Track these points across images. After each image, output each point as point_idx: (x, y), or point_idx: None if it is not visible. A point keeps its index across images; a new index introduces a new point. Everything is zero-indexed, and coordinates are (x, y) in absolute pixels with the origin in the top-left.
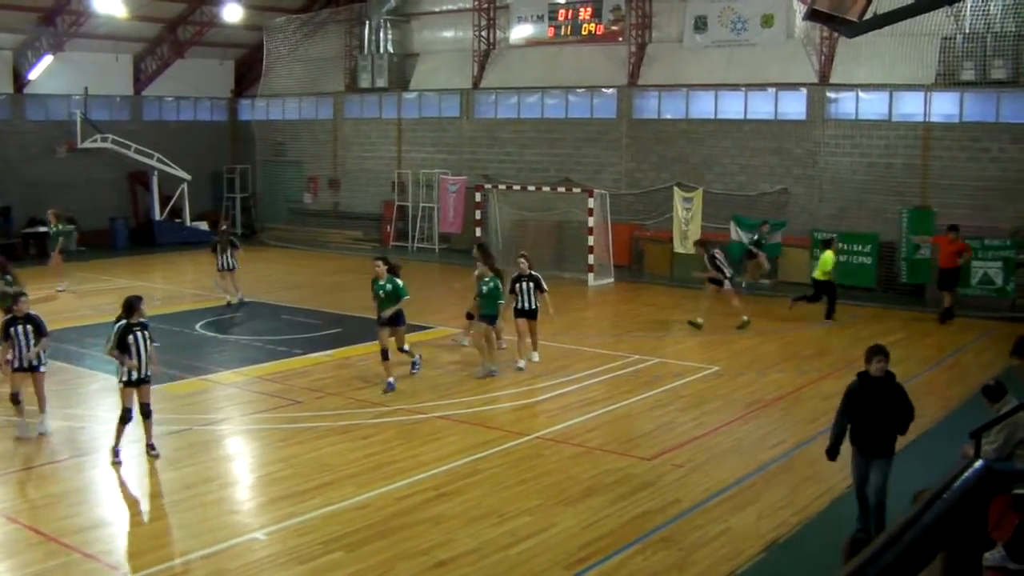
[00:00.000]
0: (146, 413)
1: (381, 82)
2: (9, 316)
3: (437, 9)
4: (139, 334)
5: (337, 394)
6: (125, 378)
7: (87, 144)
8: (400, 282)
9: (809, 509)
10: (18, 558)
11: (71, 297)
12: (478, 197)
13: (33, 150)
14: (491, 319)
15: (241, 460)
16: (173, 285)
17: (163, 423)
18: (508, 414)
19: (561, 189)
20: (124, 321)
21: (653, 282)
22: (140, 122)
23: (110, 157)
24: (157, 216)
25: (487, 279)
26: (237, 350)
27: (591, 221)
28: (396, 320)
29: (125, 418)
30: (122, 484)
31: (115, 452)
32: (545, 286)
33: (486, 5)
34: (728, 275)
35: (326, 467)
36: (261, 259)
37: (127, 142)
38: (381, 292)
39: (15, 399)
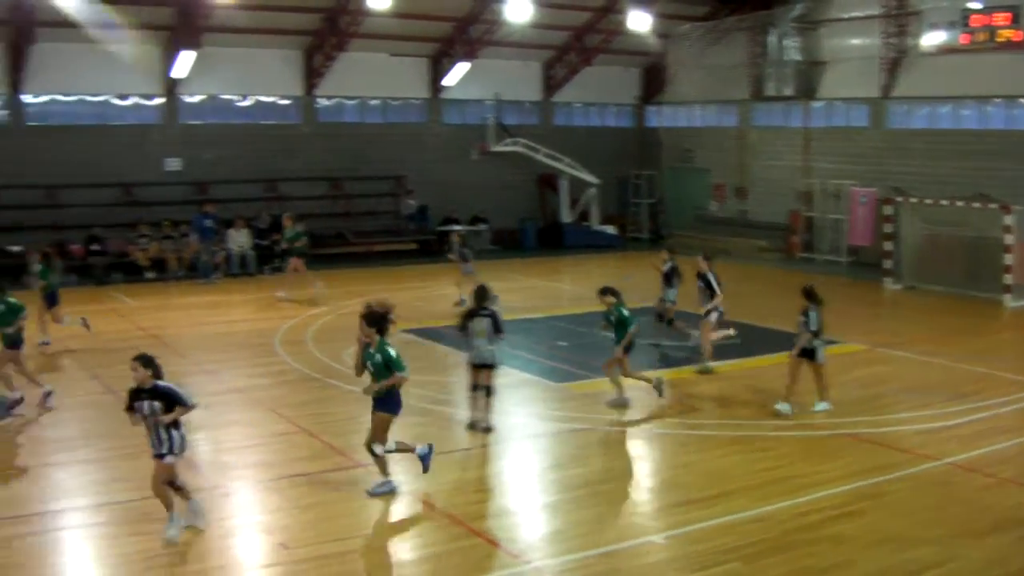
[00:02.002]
0: (488, 392)
1: (787, 90)
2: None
3: (845, 16)
4: (476, 321)
5: (738, 404)
6: (472, 361)
7: (499, 147)
8: (394, 354)
9: None
10: (425, 537)
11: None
12: (888, 210)
13: (448, 152)
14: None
15: (641, 462)
16: (580, 287)
17: (567, 421)
18: (915, 436)
19: (976, 204)
20: (471, 307)
21: None
22: (549, 127)
23: (520, 160)
24: (565, 218)
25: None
26: (641, 354)
27: (1008, 239)
28: (382, 403)
29: (473, 389)
30: (524, 476)
31: (474, 425)
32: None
33: (896, 12)
34: None
35: (725, 477)
36: None
37: (536, 146)
38: (369, 364)
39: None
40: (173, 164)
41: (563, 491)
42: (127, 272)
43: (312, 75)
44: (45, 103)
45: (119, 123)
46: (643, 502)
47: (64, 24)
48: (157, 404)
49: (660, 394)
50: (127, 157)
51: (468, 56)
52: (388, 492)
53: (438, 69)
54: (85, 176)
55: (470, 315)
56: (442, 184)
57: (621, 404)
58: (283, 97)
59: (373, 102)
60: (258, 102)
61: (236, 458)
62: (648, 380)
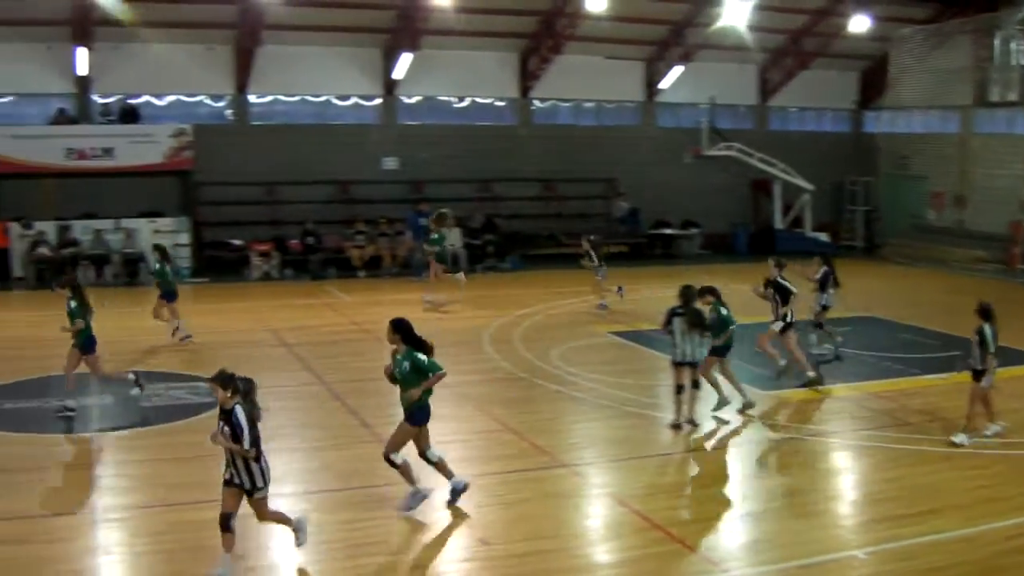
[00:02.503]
0: (695, 385)
1: (1012, 95)
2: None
3: None
4: (680, 320)
5: (949, 420)
6: (676, 359)
7: (713, 151)
8: (423, 357)
9: None
10: (623, 540)
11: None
12: None
13: (661, 156)
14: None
15: (846, 475)
16: None
17: (772, 429)
18: None
19: None
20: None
21: None
22: (764, 131)
23: (733, 165)
24: (778, 224)
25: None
26: (853, 364)
27: None
28: (413, 416)
29: (678, 391)
30: (725, 483)
31: (677, 425)
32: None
33: None
34: None
35: (932, 494)
36: (879, 275)
37: (750, 151)
38: (397, 372)
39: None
40: (390, 163)
41: (765, 500)
42: (341, 268)
43: (527, 77)
44: (269, 103)
45: (339, 123)
46: (846, 515)
47: (288, 27)
48: (228, 429)
49: (719, 407)
50: (345, 156)
51: (683, 59)
52: (422, 500)
53: (653, 72)
54: (304, 174)
55: (673, 314)
56: (654, 187)
57: (722, 403)
58: (499, 99)
59: (587, 104)
60: (474, 103)
61: (442, 453)
62: (717, 388)
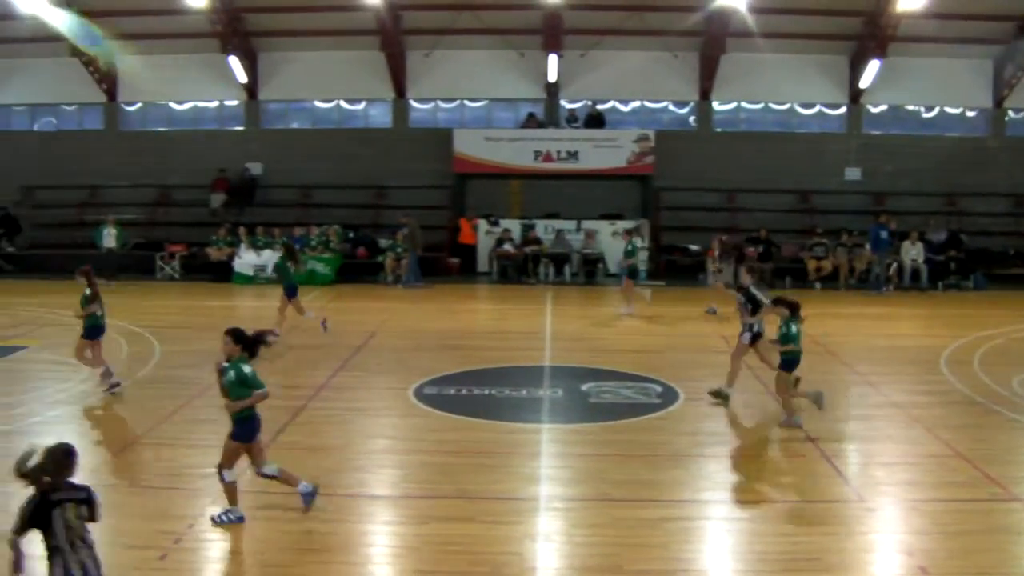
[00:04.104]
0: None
1: None
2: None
3: None
4: None
5: None
6: None
7: None
8: (248, 369)
9: None
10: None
11: None
12: None
13: None
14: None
15: None
16: None
17: None
18: None
19: None
20: None
21: None
22: None
23: None
24: None
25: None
26: None
27: None
28: (234, 431)
29: None
30: None
31: None
32: None
33: None
34: None
35: None
36: None
37: None
38: (225, 382)
39: None
40: (853, 174)
41: None
42: (796, 278)
43: (1003, 86)
44: (732, 110)
45: (801, 131)
46: None
47: (753, 34)
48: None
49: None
50: (807, 165)
51: None
52: (235, 521)
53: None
54: (764, 182)
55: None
56: None
57: (791, 424)
58: (970, 109)
59: None
60: (943, 113)
61: (886, 473)
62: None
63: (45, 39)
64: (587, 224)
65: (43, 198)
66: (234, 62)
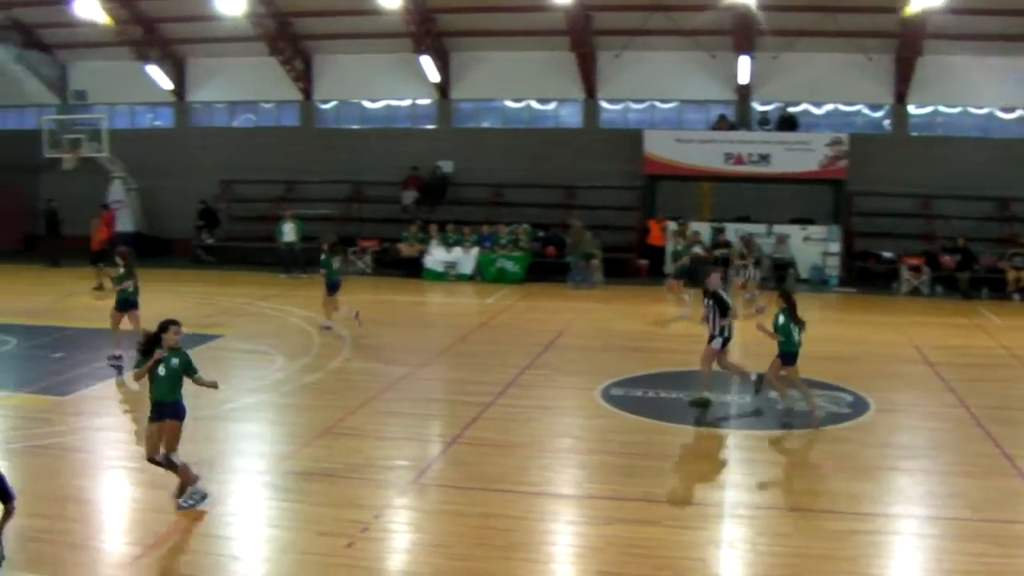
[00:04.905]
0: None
1: None
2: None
3: None
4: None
5: None
6: None
7: None
8: (185, 355)
9: None
10: None
11: None
12: None
13: None
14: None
15: None
16: None
17: None
18: None
19: None
20: None
21: None
22: None
23: None
24: None
25: None
26: None
27: None
28: (168, 410)
29: None
30: None
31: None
32: None
33: None
34: None
35: None
36: None
37: None
38: (162, 368)
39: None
40: None
41: None
42: (994, 288)
43: None
44: (928, 114)
45: (1002, 136)
46: None
47: (951, 36)
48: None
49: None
50: (1007, 171)
51: None
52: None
53: None
54: (962, 188)
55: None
56: None
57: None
58: None
59: None
60: None
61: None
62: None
63: (246, 39)
64: (778, 228)
65: (241, 192)
66: (426, 62)
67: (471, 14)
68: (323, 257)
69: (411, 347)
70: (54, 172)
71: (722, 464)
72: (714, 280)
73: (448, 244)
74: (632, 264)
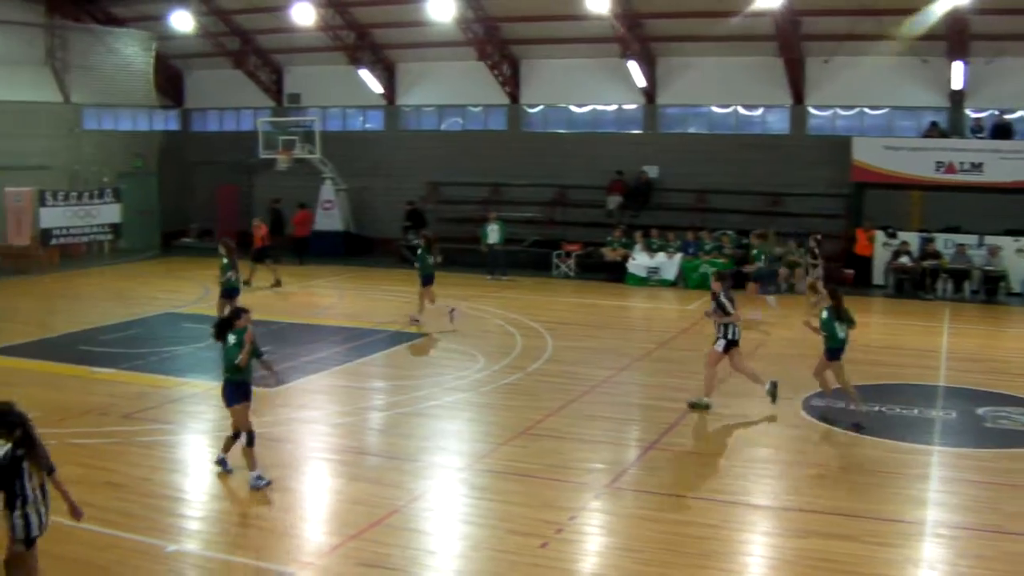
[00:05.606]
0: None
1: None
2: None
3: None
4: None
5: None
6: None
7: None
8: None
9: None
10: None
11: None
12: None
13: None
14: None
15: None
16: None
17: None
18: None
19: None
20: None
21: None
22: None
23: None
24: None
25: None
26: None
27: None
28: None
29: None
30: None
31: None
32: None
33: None
34: None
35: None
36: None
37: None
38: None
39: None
40: None
41: None
42: None
43: None
44: None
45: None
46: None
47: None
48: None
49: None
50: None
51: None
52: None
53: None
54: None
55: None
56: None
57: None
58: None
59: None
60: None
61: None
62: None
63: (455, 44)
64: (990, 239)
65: (448, 194)
66: (633, 67)
67: (678, 19)
68: (419, 251)
69: (612, 351)
70: (269, 172)
71: (925, 481)
72: (716, 284)
73: (652, 249)
74: (838, 273)
